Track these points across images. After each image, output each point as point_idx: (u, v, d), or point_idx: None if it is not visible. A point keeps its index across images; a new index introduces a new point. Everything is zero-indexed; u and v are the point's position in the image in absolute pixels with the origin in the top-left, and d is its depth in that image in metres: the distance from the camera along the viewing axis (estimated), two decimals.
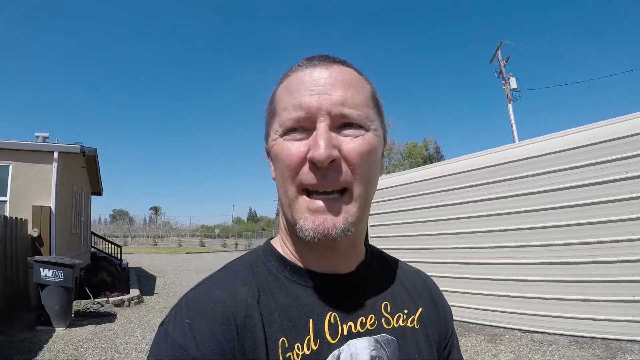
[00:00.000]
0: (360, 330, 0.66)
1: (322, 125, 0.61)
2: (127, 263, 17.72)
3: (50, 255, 8.63)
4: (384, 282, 0.75)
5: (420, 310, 0.75)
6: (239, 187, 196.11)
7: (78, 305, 8.03)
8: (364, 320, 0.67)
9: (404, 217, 8.48)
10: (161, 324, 0.63)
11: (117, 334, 6.68)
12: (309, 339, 0.62)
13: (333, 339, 0.63)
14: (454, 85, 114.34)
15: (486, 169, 6.95)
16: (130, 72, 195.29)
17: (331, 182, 0.61)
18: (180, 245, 48.00)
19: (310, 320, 0.63)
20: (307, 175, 0.61)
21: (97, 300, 8.64)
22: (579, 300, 5.65)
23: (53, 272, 6.79)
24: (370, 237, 9.17)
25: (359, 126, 0.63)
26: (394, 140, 36.31)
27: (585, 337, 5.52)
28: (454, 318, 0.84)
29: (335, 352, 0.63)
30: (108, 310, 8.20)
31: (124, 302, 9.16)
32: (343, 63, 0.68)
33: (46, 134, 10.51)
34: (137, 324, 7.47)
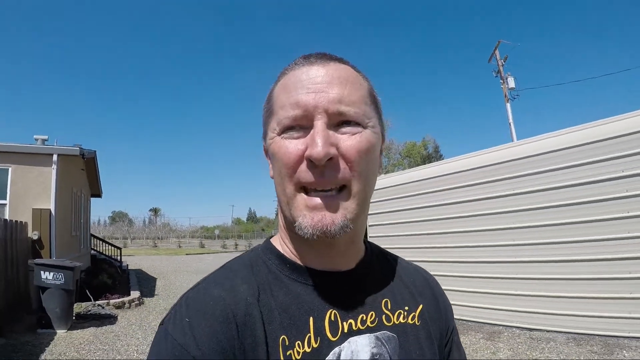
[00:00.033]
0: (361, 328, 0.66)
1: (320, 123, 0.61)
2: (127, 265, 17.74)
3: (50, 257, 8.63)
4: (384, 279, 0.75)
5: (420, 306, 0.75)
6: (239, 187, 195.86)
7: (79, 307, 8.06)
8: (365, 318, 0.67)
9: (402, 217, 8.52)
10: (161, 323, 0.63)
11: (118, 336, 6.71)
12: (310, 336, 0.62)
13: (334, 337, 0.63)
14: (453, 85, 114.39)
15: (484, 168, 6.99)
16: (129, 73, 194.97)
17: (329, 180, 0.61)
18: (180, 246, 47.97)
19: (311, 318, 0.63)
20: (305, 173, 0.61)
21: (97, 302, 8.66)
22: (577, 298, 5.69)
23: (54, 274, 6.82)
24: (370, 237, 9.21)
25: (357, 123, 0.63)
26: (392, 139, 36.42)
27: (583, 334, 5.57)
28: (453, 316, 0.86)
29: (336, 349, 0.63)
30: (109, 313, 8.23)
31: (125, 304, 9.18)
32: (340, 60, 0.68)
33: (45, 137, 10.53)
34: (138, 325, 7.50)
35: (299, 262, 0.69)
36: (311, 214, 0.61)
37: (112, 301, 9.00)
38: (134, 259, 23.88)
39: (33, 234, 8.81)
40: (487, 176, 6.92)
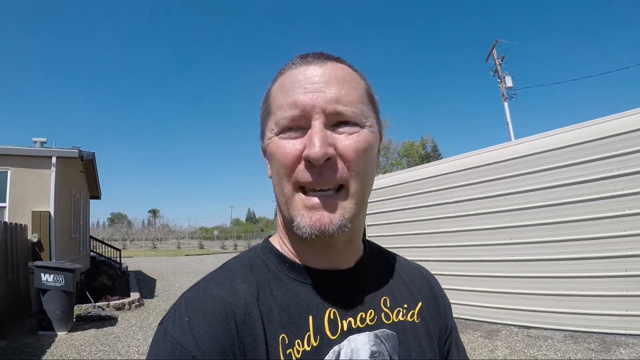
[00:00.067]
0: (360, 326, 0.66)
1: (317, 123, 0.61)
2: (127, 266, 17.75)
3: (50, 260, 8.65)
4: (383, 277, 0.75)
5: (420, 304, 0.75)
6: (238, 188, 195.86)
7: (79, 309, 8.07)
8: (364, 316, 0.67)
9: (400, 216, 8.56)
10: (160, 323, 0.63)
11: (118, 337, 6.73)
12: (309, 335, 0.62)
13: (333, 335, 0.64)
14: (451, 85, 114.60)
15: (481, 168, 7.03)
16: (128, 73, 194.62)
17: (327, 180, 0.61)
18: (179, 247, 47.96)
19: (310, 317, 0.63)
20: (303, 173, 0.61)
21: (98, 304, 8.69)
22: (574, 296, 5.73)
23: (54, 276, 6.84)
24: (368, 237, 9.22)
25: (354, 123, 0.63)
26: (391, 139, 36.42)
27: (580, 331, 5.61)
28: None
29: (336, 347, 0.63)
30: (109, 314, 8.26)
31: (125, 305, 9.22)
32: (337, 60, 0.68)
33: (44, 139, 10.54)
34: (138, 326, 7.52)
35: (297, 261, 0.69)
36: (309, 213, 0.61)
37: (112, 303, 9.03)
38: (133, 261, 23.88)
39: (33, 237, 8.82)
40: (484, 175, 6.96)
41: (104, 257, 17.63)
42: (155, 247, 47.70)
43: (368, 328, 0.66)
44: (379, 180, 8.83)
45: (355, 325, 0.66)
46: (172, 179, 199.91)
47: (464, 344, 0.84)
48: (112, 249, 18.22)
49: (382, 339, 0.67)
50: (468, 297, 6.98)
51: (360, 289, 0.70)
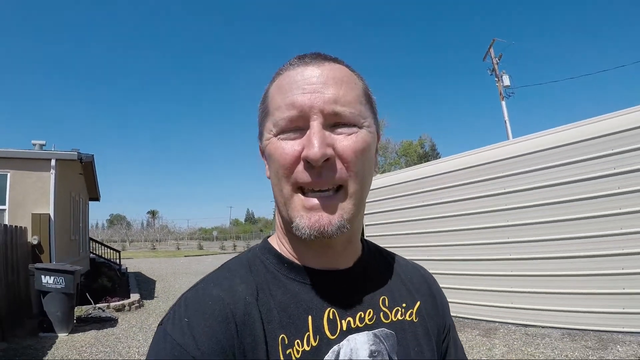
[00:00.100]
0: (359, 325, 0.66)
1: (316, 124, 0.61)
2: (127, 268, 17.77)
3: (50, 262, 8.68)
4: (382, 277, 0.76)
5: (418, 303, 0.75)
6: (236, 189, 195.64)
7: (79, 311, 8.10)
8: (363, 315, 0.67)
9: (398, 216, 8.59)
10: (160, 323, 0.63)
11: (119, 338, 6.77)
12: (309, 335, 0.62)
13: (332, 335, 0.64)
14: (449, 84, 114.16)
15: (478, 167, 7.07)
16: (127, 74, 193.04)
17: (326, 180, 0.61)
18: (178, 248, 47.99)
19: (309, 317, 0.64)
20: (301, 174, 0.61)
21: (98, 305, 8.71)
22: (571, 294, 5.78)
23: (54, 278, 6.87)
24: (366, 236, 9.25)
25: (352, 124, 0.63)
26: (389, 138, 36.48)
27: (577, 329, 5.65)
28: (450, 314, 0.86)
29: (335, 347, 0.63)
30: (109, 315, 8.28)
31: (125, 306, 9.25)
32: (335, 60, 0.68)
33: (43, 142, 10.58)
34: (138, 327, 7.56)
35: (296, 261, 0.69)
36: (308, 214, 0.61)
37: (112, 304, 9.07)
38: (132, 262, 23.88)
39: (33, 239, 8.84)
40: (482, 175, 7.00)
41: (104, 258, 17.64)
42: (155, 248, 47.70)
43: (367, 327, 0.67)
44: (377, 180, 8.88)
45: (354, 324, 0.66)
46: (171, 180, 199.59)
47: (462, 342, 0.87)
48: (111, 251, 18.22)
49: (381, 339, 0.67)
50: (466, 296, 7.03)
51: (359, 289, 0.71)
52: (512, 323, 6.37)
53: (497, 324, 6.53)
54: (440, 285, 0.86)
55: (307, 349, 0.61)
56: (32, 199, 9.25)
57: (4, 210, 9.04)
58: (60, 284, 6.88)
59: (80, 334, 7.00)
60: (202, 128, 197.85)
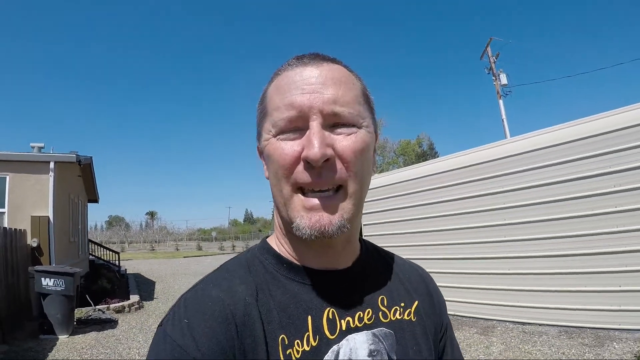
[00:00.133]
0: (358, 325, 0.67)
1: (315, 124, 0.61)
2: (126, 269, 17.75)
3: (49, 264, 8.69)
4: (380, 276, 0.76)
5: (416, 303, 0.76)
6: (235, 189, 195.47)
7: (80, 313, 8.11)
8: (362, 315, 0.68)
9: (396, 215, 8.63)
10: (160, 325, 0.63)
11: (119, 340, 6.80)
12: (308, 335, 0.63)
13: (332, 335, 0.64)
14: (446, 83, 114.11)
15: (476, 166, 7.11)
16: (126, 74, 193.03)
17: (326, 181, 0.61)
18: (177, 249, 47.97)
19: (309, 317, 0.64)
20: (301, 175, 0.61)
21: (98, 307, 8.72)
22: (568, 292, 5.82)
23: (54, 281, 6.89)
24: (364, 236, 9.30)
25: (351, 124, 0.64)
26: (387, 138, 36.46)
27: (574, 327, 5.69)
28: (448, 312, 0.86)
29: (335, 347, 0.63)
30: (109, 317, 8.30)
31: (125, 308, 9.27)
32: (333, 61, 0.68)
33: (41, 144, 10.59)
34: (138, 329, 7.59)
35: (295, 261, 0.69)
36: (309, 214, 0.62)
37: (112, 305, 9.09)
38: (132, 263, 23.86)
39: (32, 241, 8.86)
40: (479, 174, 7.04)
41: (103, 260, 17.64)
42: (154, 249, 47.63)
43: (366, 327, 0.67)
44: (376, 180, 8.90)
45: (353, 324, 0.66)
46: (170, 181, 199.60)
47: (460, 340, 0.88)
48: (110, 252, 18.23)
49: (380, 338, 0.68)
50: (464, 295, 7.07)
51: (358, 289, 0.71)
52: (510, 321, 6.42)
53: (494, 322, 6.57)
54: (439, 284, 0.87)
55: (307, 349, 0.62)
56: (31, 202, 9.26)
57: (3, 213, 9.05)
58: (60, 286, 6.90)
59: (80, 335, 7.02)
60: (202, 128, 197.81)
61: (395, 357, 0.67)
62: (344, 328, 0.65)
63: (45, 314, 6.84)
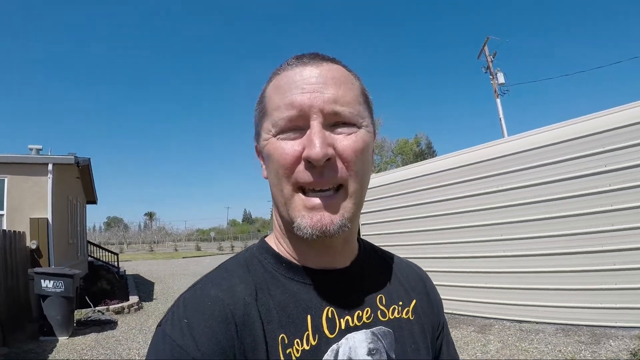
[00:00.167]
0: (357, 324, 0.67)
1: (316, 124, 0.61)
2: (125, 270, 17.75)
3: (49, 266, 8.70)
4: (379, 275, 0.77)
5: (414, 301, 0.77)
6: (234, 189, 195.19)
7: (79, 314, 8.14)
8: (361, 314, 0.68)
9: (394, 215, 8.66)
10: (159, 325, 0.62)
11: (119, 341, 6.82)
12: (308, 334, 0.63)
13: (331, 334, 0.64)
14: (444, 82, 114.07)
15: (474, 165, 7.13)
16: (125, 75, 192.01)
17: (327, 180, 0.61)
18: (176, 250, 47.90)
19: (308, 316, 0.64)
20: (303, 174, 0.61)
21: (97, 308, 8.75)
22: (564, 290, 5.85)
23: (54, 282, 6.91)
24: (362, 235, 9.32)
25: (352, 123, 0.64)
26: (385, 137, 36.53)
27: (571, 324, 5.73)
28: (445, 311, 0.86)
29: (334, 346, 0.64)
30: (109, 318, 8.32)
31: (124, 309, 9.29)
32: (332, 60, 0.68)
33: (39, 146, 10.59)
34: (138, 329, 7.61)
35: (294, 261, 0.69)
36: (310, 214, 0.62)
37: (111, 307, 9.10)
38: (131, 264, 23.87)
39: (31, 243, 8.87)
40: (477, 173, 7.07)
41: (102, 261, 17.63)
42: (152, 250, 47.63)
43: (365, 326, 0.68)
44: (374, 179, 8.93)
45: (352, 323, 0.67)
46: (168, 181, 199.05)
47: (457, 339, 0.91)
48: (109, 253, 18.22)
49: (379, 336, 0.68)
50: (462, 293, 7.11)
51: (357, 288, 0.71)
52: (507, 319, 6.46)
53: (492, 320, 6.61)
54: (436, 283, 0.88)
55: (307, 348, 0.62)
56: (29, 204, 9.27)
57: (2, 215, 9.06)
58: (60, 287, 6.92)
59: (80, 337, 7.05)
60: (201, 128, 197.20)
61: (394, 356, 0.68)
62: (343, 327, 0.66)
63: (45, 316, 6.86)
